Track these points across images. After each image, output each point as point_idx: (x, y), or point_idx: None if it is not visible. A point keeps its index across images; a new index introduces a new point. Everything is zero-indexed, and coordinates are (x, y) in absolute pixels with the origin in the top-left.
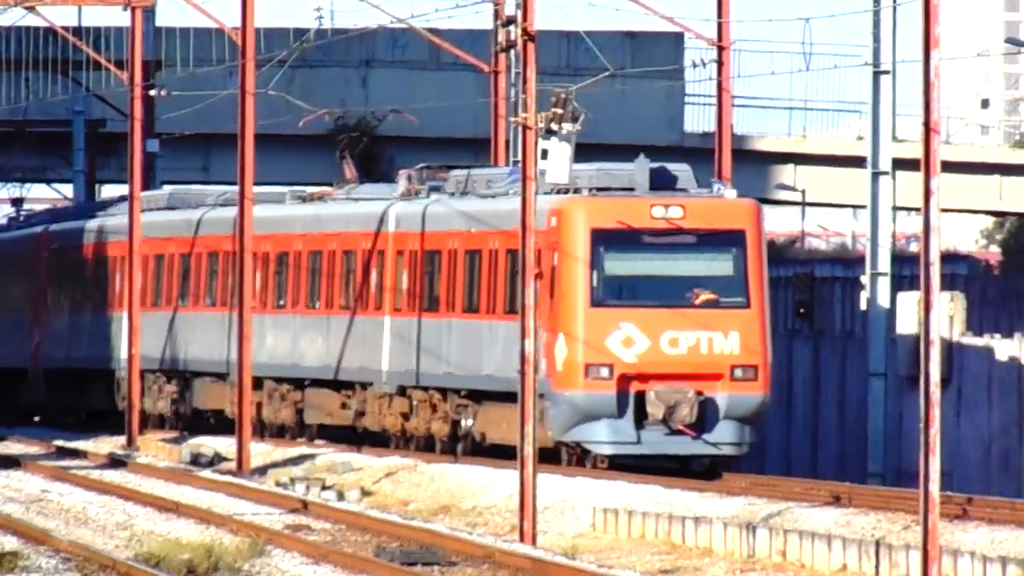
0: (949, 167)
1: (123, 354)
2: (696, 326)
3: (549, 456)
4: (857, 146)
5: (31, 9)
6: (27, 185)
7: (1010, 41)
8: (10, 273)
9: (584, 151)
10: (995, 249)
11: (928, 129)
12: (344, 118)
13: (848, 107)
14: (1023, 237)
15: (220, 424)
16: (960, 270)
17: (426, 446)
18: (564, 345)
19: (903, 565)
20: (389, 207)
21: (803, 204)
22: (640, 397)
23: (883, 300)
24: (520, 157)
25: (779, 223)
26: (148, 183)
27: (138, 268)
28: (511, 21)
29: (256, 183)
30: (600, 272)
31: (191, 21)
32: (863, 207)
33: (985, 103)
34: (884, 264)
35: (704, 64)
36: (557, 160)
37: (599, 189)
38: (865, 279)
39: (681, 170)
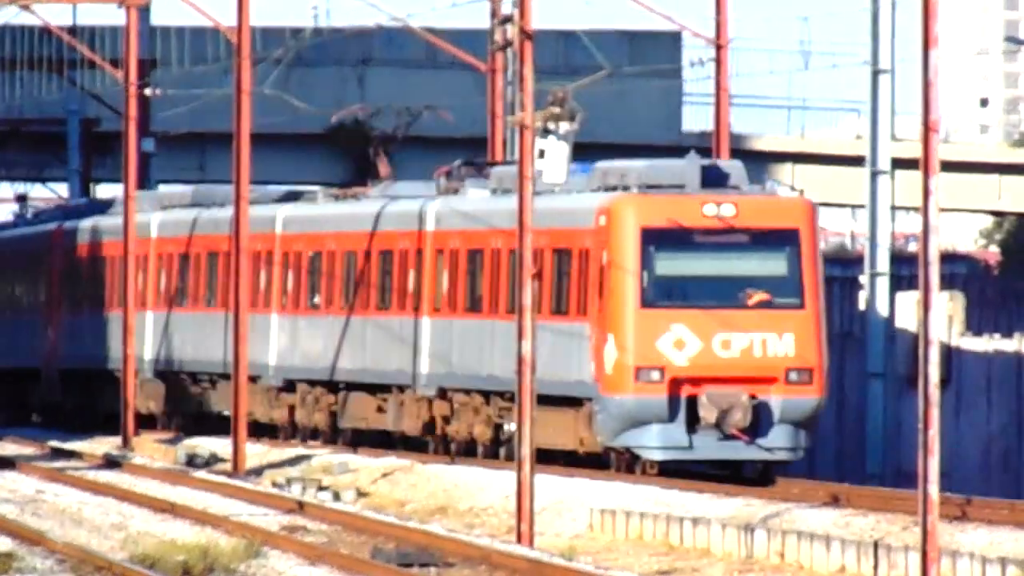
0: (948, 166)
1: (148, 355)
2: (749, 328)
3: (595, 462)
4: (856, 145)
5: (26, 7)
6: (31, 184)
7: (1009, 40)
8: (20, 271)
9: (581, 151)
10: (994, 249)
11: (927, 128)
12: (376, 114)
13: (847, 106)
14: (1022, 236)
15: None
16: (959, 270)
17: (466, 451)
18: (613, 347)
19: (902, 566)
20: (427, 205)
21: None
22: (692, 401)
23: (882, 300)
24: (517, 157)
25: None
26: (143, 182)
27: (134, 267)
28: (508, 20)
29: (252, 182)
30: (650, 272)
31: (186, 20)
32: (862, 207)
33: (984, 102)
34: (883, 264)
35: (702, 63)
36: (554, 160)
37: (648, 187)
38: (864, 279)
39: (733, 167)
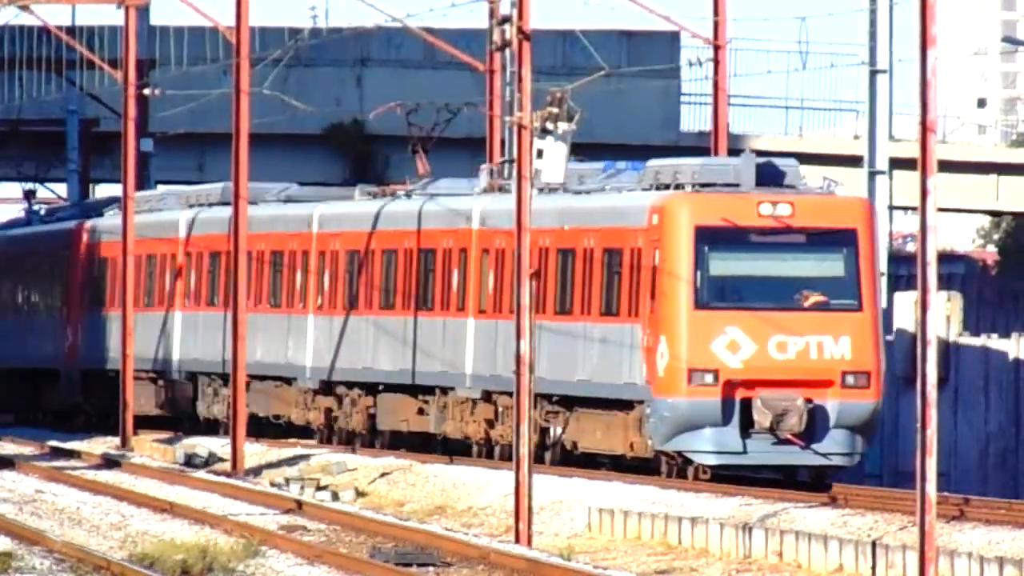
0: (946, 166)
1: (176, 355)
2: (805, 330)
3: (643, 467)
4: (854, 145)
5: (25, 8)
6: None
7: (1007, 40)
8: (37, 269)
9: (580, 151)
10: (992, 249)
11: (925, 128)
12: (416, 110)
13: (845, 106)
14: (1020, 237)
15: (281, 430)
16: (957, 270)
17: (510, 455)
18: (666, 349)
19: (899, 566)
20: (472, 203)
21: None
22: (746, 405)
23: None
24: (516, 157)
25: None
26: (142, 183)
27: (132, 267)
28: (506, 20)
29: (250, 182)
30: (704, 272)
31: (185, 20)
32: None
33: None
34: (881, 264)
35: (700, 63)
36: (552, 160)
37: (702, 185)
38: None
39: (788, 165)
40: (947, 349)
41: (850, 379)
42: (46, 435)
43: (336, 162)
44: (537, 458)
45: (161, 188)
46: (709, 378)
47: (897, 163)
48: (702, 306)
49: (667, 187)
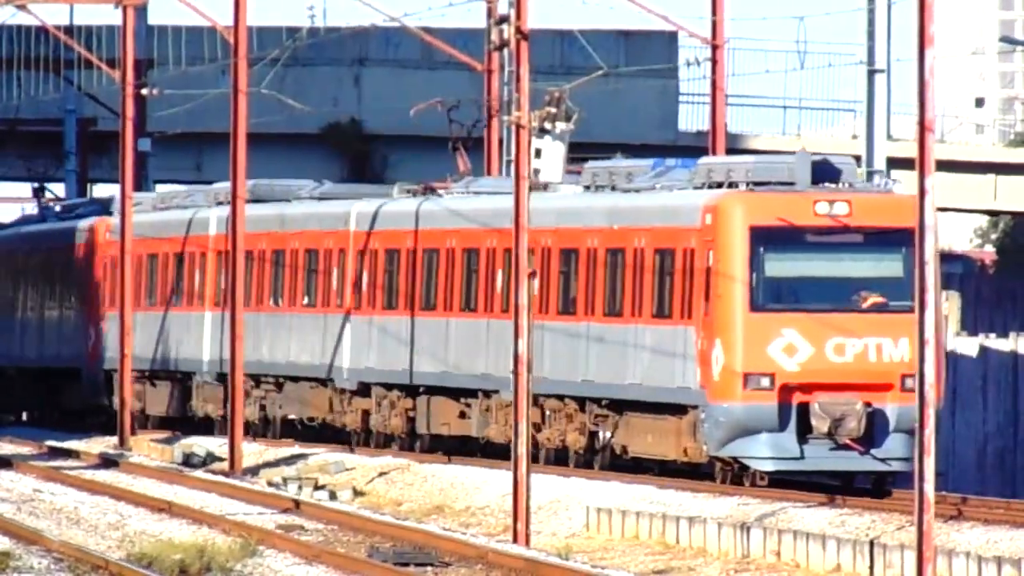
0: (944, 166)
1: (206, 356)
2: (863, 332)
3: (691, 472)
4: (852, 145)
5: (22, 7)
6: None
7: (1005, 40)
8: (55, 266)
9: (578, 150)
10: (990, 248)
11: (923, 128)
12: (455, 108)
13: (843, 106)
14: (1018, 236)
15: (313, 433)
16: (955, 269)
17: (557, 459)
18: (721, 353)
19: (898, 565)
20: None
21: None
22: (803, 409)
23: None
24: (513, 156)
25: None
26: (140, 182)
27: (130, 267)
28: (504, 20)
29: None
30: (760, 273)
31: (183, 19)
32: None
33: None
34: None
35: (698, 63)
36: (551, 159)
37: (757, 183)
38: None
39: (845, 163)
40: (945, 349)
41: (910, 382)
42: (44, 435)
43: (334, 162)
44: (585, 463)
45: (176, 188)
46: (765, 382)
47: (895, 163)
48: (758, 308)
49: (720, 186)
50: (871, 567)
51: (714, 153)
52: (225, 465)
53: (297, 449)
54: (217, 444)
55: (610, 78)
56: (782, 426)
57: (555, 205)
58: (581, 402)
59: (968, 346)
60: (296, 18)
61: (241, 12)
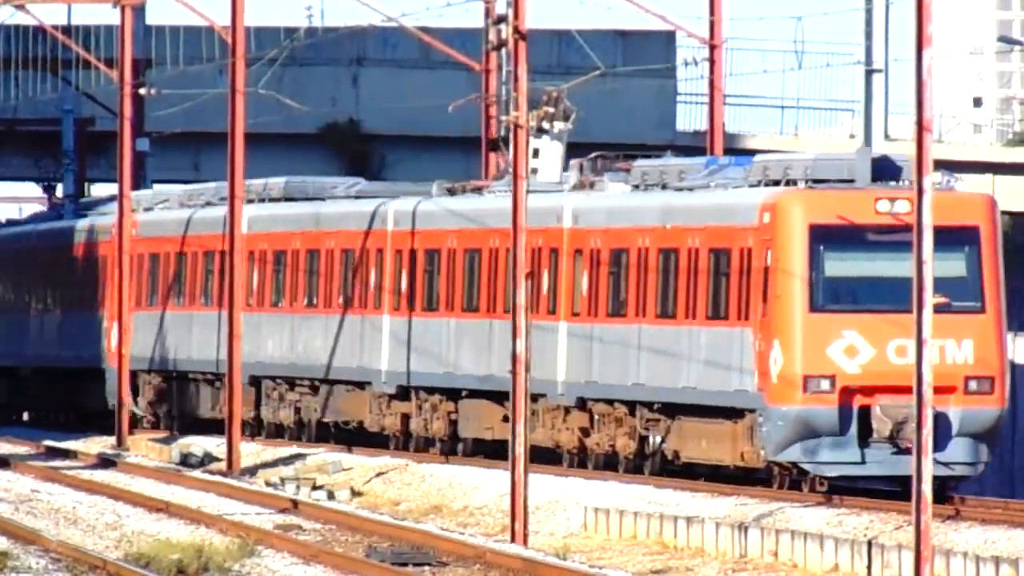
0: (942, 166)
1: (251, 358)
2: None
3: (744, 477)
4: (849, 144)
5: (20, 7)
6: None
7: (1003, 40)
8: (70, 263)
9: (575, 150)
10: None
11: (921, 128)
12: (493, 104)
13: (841, 106)
14: (1016, 236)
15: (350, 436)
16: None
17: (607, 464)
18: (780, 354)
19: (895, 565)
20: (562, 200)
21: None
22: (864, 412)
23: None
24: (511, 156)
25: None
26: (138, 182)
27: (127, 267)
28: (502, 19)
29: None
30: (819, 273)
31: (181, 19)
32: None
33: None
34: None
35: (696, 62)
36: (548, 159)
37: (815, 181)
38: None
39: (905, 160)
40: None
41: (973, 384)
42: (42, 435)
43: (332, 161)
44: (636, 468)
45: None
46: (825, 384)
47: None
48: (817, 309)
49: (777, 183)
50: (869, 567)
51: (711, 153)
52: (223, 465)
53: (295, 449)
54: (215, 444)
55: (608, 78)
56: (843, 430)
57: (604, 204)
58: (631, 406)
59: None
60: (294, 18)
61: (239, 12)
